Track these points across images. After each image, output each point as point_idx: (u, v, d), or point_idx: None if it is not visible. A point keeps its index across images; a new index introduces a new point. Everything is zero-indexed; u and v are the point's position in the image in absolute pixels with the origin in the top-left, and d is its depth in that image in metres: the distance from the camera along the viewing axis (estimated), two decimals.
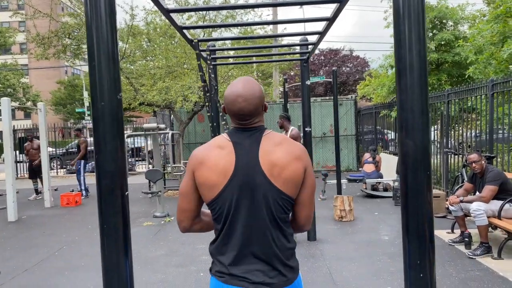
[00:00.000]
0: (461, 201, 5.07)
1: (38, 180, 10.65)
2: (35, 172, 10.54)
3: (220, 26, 10.02)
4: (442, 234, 5.77)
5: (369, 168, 9.22)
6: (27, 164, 11.03)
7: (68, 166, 18.21)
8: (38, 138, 10.69)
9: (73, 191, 10.40)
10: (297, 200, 1.63)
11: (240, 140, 1.62)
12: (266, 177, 1.55)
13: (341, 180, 8.14)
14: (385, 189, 9.28)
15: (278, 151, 1.58)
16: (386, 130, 12.71)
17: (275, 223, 1.58)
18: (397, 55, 1.77)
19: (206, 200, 1.62)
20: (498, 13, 6.49)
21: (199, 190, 1.63)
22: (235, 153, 1.59)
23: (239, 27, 11.72)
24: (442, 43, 9.14)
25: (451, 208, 5.28)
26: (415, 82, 1.73)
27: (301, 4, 3.44)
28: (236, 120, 1.66)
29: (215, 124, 5.41)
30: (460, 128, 8.10)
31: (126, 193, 1.78)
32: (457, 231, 5.58)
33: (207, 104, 4.98)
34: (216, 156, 1.59)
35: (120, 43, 11.04)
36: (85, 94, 31.90)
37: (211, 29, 10.27)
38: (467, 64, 8.96)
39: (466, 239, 5.09)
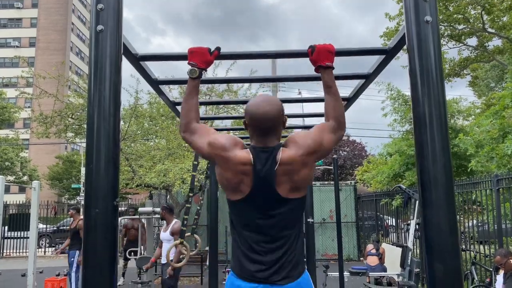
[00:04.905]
0: None
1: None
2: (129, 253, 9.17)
3: (216, 103, 10.09)
4: None
5: (372, 261, 8.79)
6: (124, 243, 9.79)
7: (57, 246, 17.46)
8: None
9: (58, 275, 9.77)
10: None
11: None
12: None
13: (344, 273, 7.69)
14: (389, 284, 8.77)
15: None
16: (385, 216, 12.41)
17: None
18: (419, 167, 1.64)
19: None
20: (497, 109, 6.63)
21: None
22: None
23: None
24: None
25: None
26: (441, 198, 1.58)
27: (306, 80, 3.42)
28: (256, 133, 1.83)
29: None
30: (462, 218, 7.94)
31: None
32: None
33: (205, 188, 4.81)
34: None
35: (121, 123, 11.13)
36: (83, 170, 31.84)
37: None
38: (467, 156, 8.98)
39: None
